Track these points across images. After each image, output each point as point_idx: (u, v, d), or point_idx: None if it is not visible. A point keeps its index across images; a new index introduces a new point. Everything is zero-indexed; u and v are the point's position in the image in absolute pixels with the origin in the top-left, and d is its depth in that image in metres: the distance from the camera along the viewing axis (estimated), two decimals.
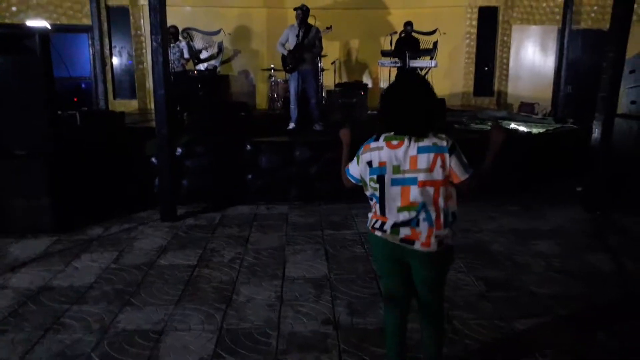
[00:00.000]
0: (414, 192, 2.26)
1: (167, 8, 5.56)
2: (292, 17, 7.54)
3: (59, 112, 5.71)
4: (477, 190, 2.30)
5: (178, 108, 8.05)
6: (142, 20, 10.10)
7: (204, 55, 9.29)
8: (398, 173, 2.27)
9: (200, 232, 5.28)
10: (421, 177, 2.24)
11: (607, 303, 3.73)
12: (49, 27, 8.49)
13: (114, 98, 10.23)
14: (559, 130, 7.84)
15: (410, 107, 2.25)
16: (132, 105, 10.23)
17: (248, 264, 4.40)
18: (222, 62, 10.26)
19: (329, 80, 9.67)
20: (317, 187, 6.38)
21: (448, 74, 10.68)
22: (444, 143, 2.25)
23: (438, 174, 2.25)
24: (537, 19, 10.89)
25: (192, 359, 2.96)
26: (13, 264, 4.41)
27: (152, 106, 9.30)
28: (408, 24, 9.05)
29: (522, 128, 7.66)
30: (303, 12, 7.00)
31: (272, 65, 9.38)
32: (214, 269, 4.32)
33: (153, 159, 6.17)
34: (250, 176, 6.36)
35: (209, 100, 8.21)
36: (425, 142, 2.25)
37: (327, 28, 7.38)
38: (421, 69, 9.10)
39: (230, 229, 5.38)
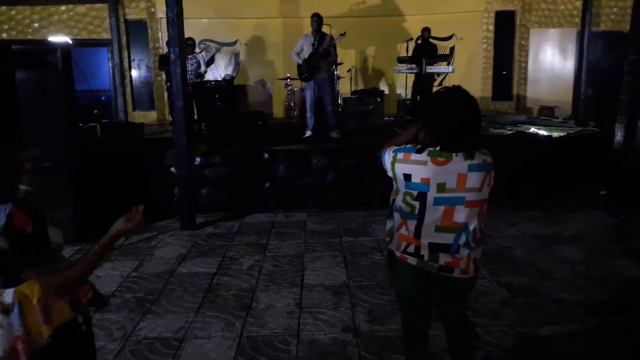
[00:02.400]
0: (460, 213, 2.08)
1: (184, 20, 5.64)
2: (307, 27, 7.58)
3: (80, 125, 5.82)
4: None
5: (196, 118, 8.15)
6: (160, 34, 10.25)
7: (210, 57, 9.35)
8: (443, 192, 2.05)
9: (219, 240, 5.31)
10: (469, 196, 2.07)
11: (634, 310, 3.63)
12: (70, 42, 8.68)
13: (133, 110, 10.39)
14: (580, 133, 7.71)
15: (469, 124, 2.07)
16: (151, 116, 10.37)
17: (267, 272, 4.41)
18: (238, 70, 10.38)
19: (345, 88, 9.68)
20: (334, 194, 6.38)
21: (465, 79, 10.59)
22: (489, 159, 2.13)
23: (485, 193, 2.12)
24: (556, 22, 10.77)
25: None
26: None
27: (171, 117, 9.45)
28: (426, 29, 9.02)
29: (542, 132, 7.56)
30: (317, 21, 7.05)
31: (288, 75, 9.42)
32: (233, 276, 4.33)
33: (172, 169, 6.24)
34: (267, 184, 6.38)
35: (226, 110, 8.27)
36: (475, 160, 2.07)
37: (341, 35, 7.40)
38: (438, 74, 9.06)
39: (249, 236, 5.40)
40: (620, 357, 3.00)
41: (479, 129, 2.12)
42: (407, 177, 2.09)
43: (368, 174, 6.35)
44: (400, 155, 2.13)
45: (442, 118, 2.07)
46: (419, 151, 2.09)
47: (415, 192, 2.09)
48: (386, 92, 10.18)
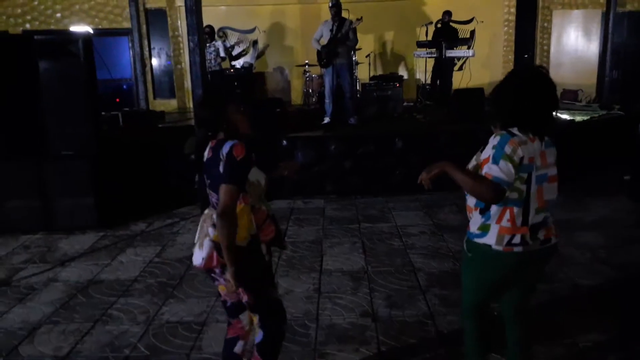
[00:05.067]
0: (547, 189, 2.11)
1: (203, 8, 5.66)
2: (325, 12, 7.54)
3: (102, 113, 5.92)
4: None
5: None
6: (179, 22, 10.30)
7: (236, 51, 9.41)
8: (538, 170, 2.06)
9: None
10: (550, 172, 2.11)
11: None
12: (91, 31, 8.79)
13: (154, 98, 10.49)
14: (604, 117, 7.55)
15: (551, 104, 2.08)
16: (171, 104, 10.47)
17: (286, 257, 4.46)
18: (258, 56, 10.38)
19: (363, 73, 9.61)
20: (353, 181, 6.38)
21: (486, 63, 10.43)
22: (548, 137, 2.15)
23: (555, 169, 2.15)
24: (580, 3, 10.49)
25: None
26: (63, 259, 4.62)
27: (191, 105, 9.52)
28: (447, 13, 8.88)
29: (565, 116, 7.42)
30: (336, 7, 7.01)
31: (307, 61, 9.39)
32: None
33: (192, 156, 6.30)
34: (286, 171, 6.40)
35: (245, 98, 8.31)
36: (546, 138, 2.11)
37: (358, 19, 7.35)
38: (458, 59, 8.94)
39: None
40: (636, 343, 2.98)
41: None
42: (521, 160, 2.01)
43: (387, 160, 6.34)
44: (508, 149, 2.00)
45: (522, 100, 2.04)
46: (511, 134, 2.03)
47: (525, 175, 2.03)
48: (405, 77, 10.07)
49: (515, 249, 2.08)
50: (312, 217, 5.59)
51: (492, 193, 1.99)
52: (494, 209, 2.09)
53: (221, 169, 2.10)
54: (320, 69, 7.55)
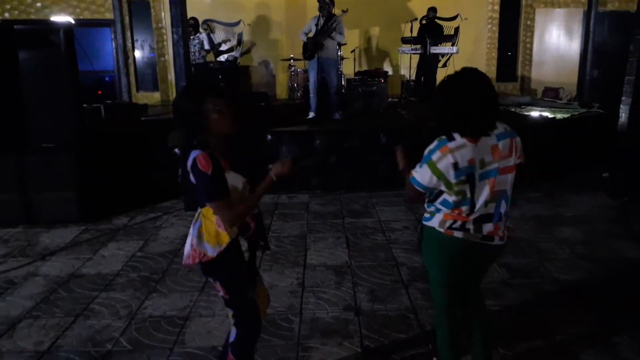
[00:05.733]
0: (498, 182, 2.16)
1: (187, 0, 5.60)
2: (311, 6, 7.51)
3: (84, 105, 5.83)
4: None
5: None
6: (162, 13, 10.17)
7: (223, 48, 9.36)
8: (484, 167, 2.13)
9: None
10: (501, 164, 2.15)
11: (632, 290, 3.67)
12: (72, 22, 8.63)
13: (137, 90, 10.36)
14: (584, 115, 7.67)
15: (489, 104, 2.10)
16: (154, 97, 10.34)
17: (270, 252, 4.45)
18: (242, 54, 10.30)
19: (348, 68, 9.61)
20: (337, 176, 6.40)
21: (470, 60, 10.49)
22: (509, 127, 2.20)
23: (512, 160, 2.18)
24: (562, 2, 10.63)
25: (216, 344, 3.02)
26: (43, 253, 4.55)
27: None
28: (432, 9, 8.91)
29: (546, 113, 7.52)
30: (322, 3, 7.01)
31: (292, 55, 9.37)
32: None
33: (176, 150, 6.27)
34: (270, 166, 6.39)
35: (229, 91, 8.27)
36: (500, 129, 2.17)
37: (343, 11, 7.32)
38: (442, 55, 8.99)
39: None
40: (614, 335, 3.05)
41: (498, 105, 2.16)
42: (455, 165, 2.08)
43: (371, 155, 6.37)
44: (435, 156, 2.12)
45: (461, 99, 2.08)
46: (451, 138, 2.12)
47: (464, 177, 2.11)
48: (390, 73, 10.11)
49: (455, 234, 2.19)
50: (297, 212, 5.60)
51: (409, 192, 2.27)
52: (443, 209, 2.22)
53: (193, 180, 2.07)
54: (305, 63, 7.53)
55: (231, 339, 2.31)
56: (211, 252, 2.14)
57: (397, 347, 3.01)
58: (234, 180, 2.14)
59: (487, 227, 2.19)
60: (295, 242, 4.70)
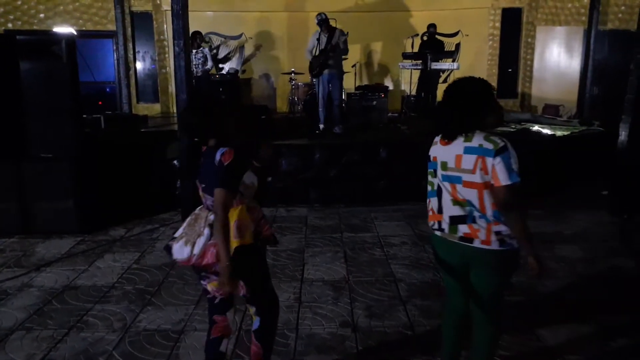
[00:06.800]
0: (461, 191, 2.24)
1: (189, 13, 5.63)
2: (312, 21, 7.56)
3: (84, 116, 5.83)
4: (508, 209, 2.18)
5: None
6: (165, 26, 10.23)
7: (222, 53, 9.45)
8: (446, 170, 2.30)
9: None
10: (465, 177, 2.22)
11: (633, 309, 3.63)
12: (75, 33, 8.67)
13: (138, 102, 10.37)
14: (584, 132, 7.67)
15: (450, 109, 2.30)
16: (155, 109, 10.36)
17: (268, 265, 4.40)
18: (246, 60, 10.36)
19: (349, 83, 9.63)
20: (337, 190, 6.38)
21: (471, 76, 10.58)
22: (491, 145, 2.16)
23: (477, 177, 2.18)
24: (562, 20, 10.70)
25: None
26: (38, 263, 4.51)
27: (175, 110, 9.43)
28: (432, 25, 8.97)
29: (546, 130, 7.53)
30: (322, 22, 7.09)
31: (293, 69, 9.41)
32: None
33: (175, 162, 6.26)
34: (270, 179, 6.39)
35: (230, 104, 8.28)
36: (472, 143, 2.21)
37: (343, 34, 7.41)
38: (443, 71, 9.02)
39: None
40: (616, 355, 3.00)
41: (457, 114, 2.25)
42: (429, 157, 2.43)
43: (371, 169, 6.36)
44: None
45: (438, 107, 2.44)
46: (438, 135, 2.40)
47: (432, 170, 2.39)
48: (391, 87, 10.14)
49: (436, 232, 2.41)
50: (295, 226, 5.56)
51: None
52: (429, 200, 2.45)
53: (215, 174, 2.25)
54: (311, 78, 7.58)
55: (255, 327, 2.53)
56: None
57: None
58: (251, 179, 2.40)
59: (462, 229, 2.27)
60: (293, 256, 4.66)
